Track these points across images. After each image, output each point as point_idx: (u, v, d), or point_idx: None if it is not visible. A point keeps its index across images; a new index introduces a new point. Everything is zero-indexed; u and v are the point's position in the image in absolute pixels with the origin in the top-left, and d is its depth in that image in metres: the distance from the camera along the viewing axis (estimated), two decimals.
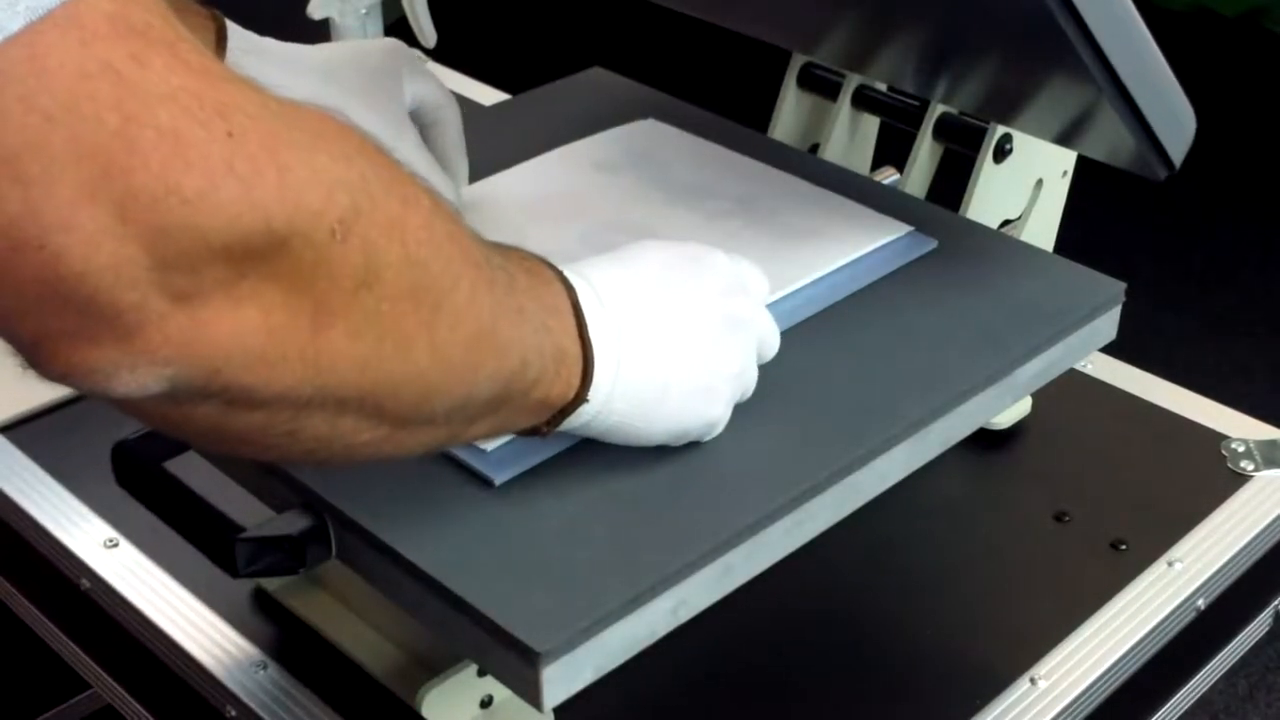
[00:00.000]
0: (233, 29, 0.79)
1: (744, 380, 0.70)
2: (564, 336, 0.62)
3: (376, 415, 0.55)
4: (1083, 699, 0.81)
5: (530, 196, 0.90)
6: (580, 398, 0.64)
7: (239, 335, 0.47)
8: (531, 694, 0.61)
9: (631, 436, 0.68)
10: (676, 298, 0.67)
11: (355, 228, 0.49)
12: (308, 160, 0.47)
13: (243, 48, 0.78)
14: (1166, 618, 0.86)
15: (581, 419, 0.65)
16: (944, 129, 0.97)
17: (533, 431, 0.65)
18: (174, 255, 0.44)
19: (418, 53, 0.85)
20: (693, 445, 0.71)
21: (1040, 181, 0.97)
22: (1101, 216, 2.45)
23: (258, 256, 0.46)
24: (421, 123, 0.85)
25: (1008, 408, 0.82)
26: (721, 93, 1.54)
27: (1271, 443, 0.97)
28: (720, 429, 0.70)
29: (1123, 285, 0.82)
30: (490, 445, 0.70)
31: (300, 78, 0.79)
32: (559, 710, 0.65)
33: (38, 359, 0.46)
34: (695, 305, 0.67)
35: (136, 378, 0.46)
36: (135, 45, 0.43)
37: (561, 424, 0.65)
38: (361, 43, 0.86)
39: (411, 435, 0.58)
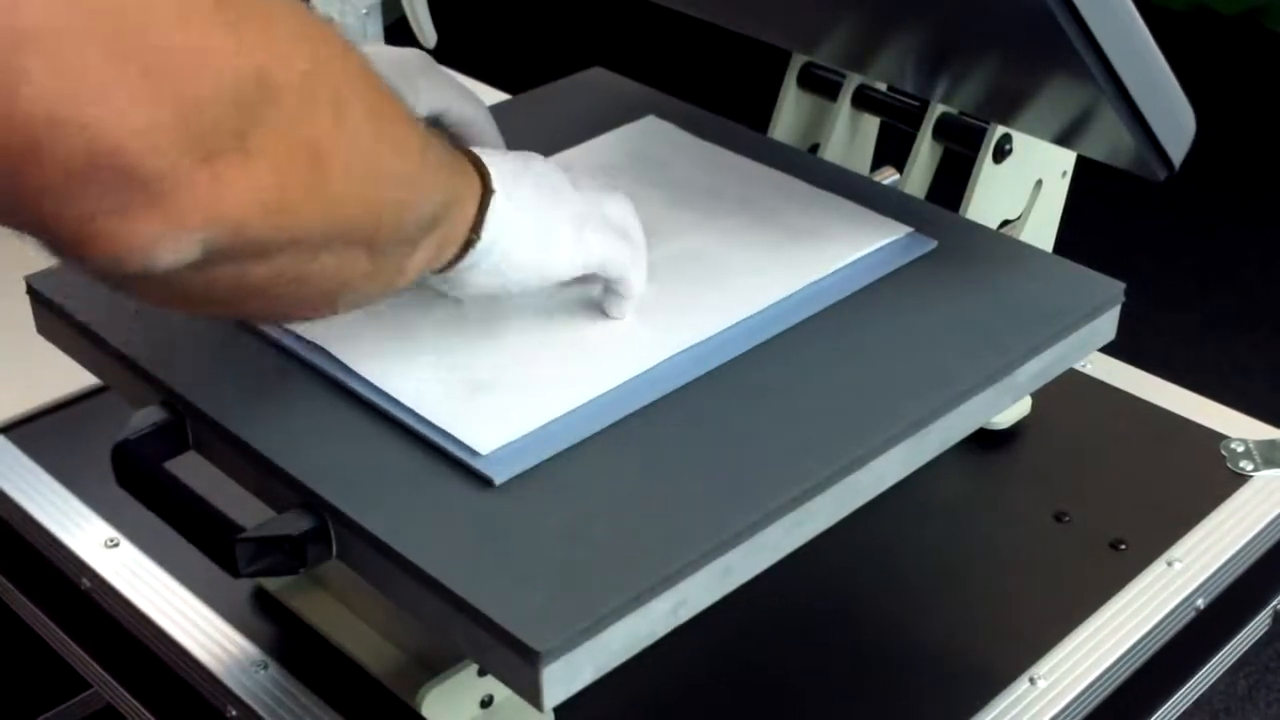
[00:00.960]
0: None
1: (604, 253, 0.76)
2: (454, 151, 0.69)
3: (368, 245, 0.60)
4: (1082, 699, 0.81)
5: None
6: (488, 189, 0.69)
7: (257, 189, 0.52)
8: (531, 694, 0.62)
9: (530, 240, 0.72)
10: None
11: (321, 68, 0.55)
12: (274, 12, 0.53)
13: None
14: (1166, 617, 0.86)
15: (496, 217, 0.69)
16: (944, 129, 0.97)
17: (465, 248, 0.69)
18: (194, 111, 0.49)
19: (436, 64, 0.85)
20: (692, 445, 0.71)
21: (1040, 181, 0.97)
22: (1101, 216, 2.45)
23: (258, 106, 0.51)
24: (450, 131, 0.85)
25: (1008, 408, 0.82)
26: (721, 93, 1.54)
27: (1271, 443, 0.97)
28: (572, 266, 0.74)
29: (1122, 285, 0.82)
30: (490, 445, 0.70)
31: None
32: (559, 710, 0.65)
33: (83, 244, 0.50)
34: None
35: (175, 247, 0.51)
36: None
37: (484, 224, 0.69)
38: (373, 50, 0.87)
39: (387, 261, 0.63)
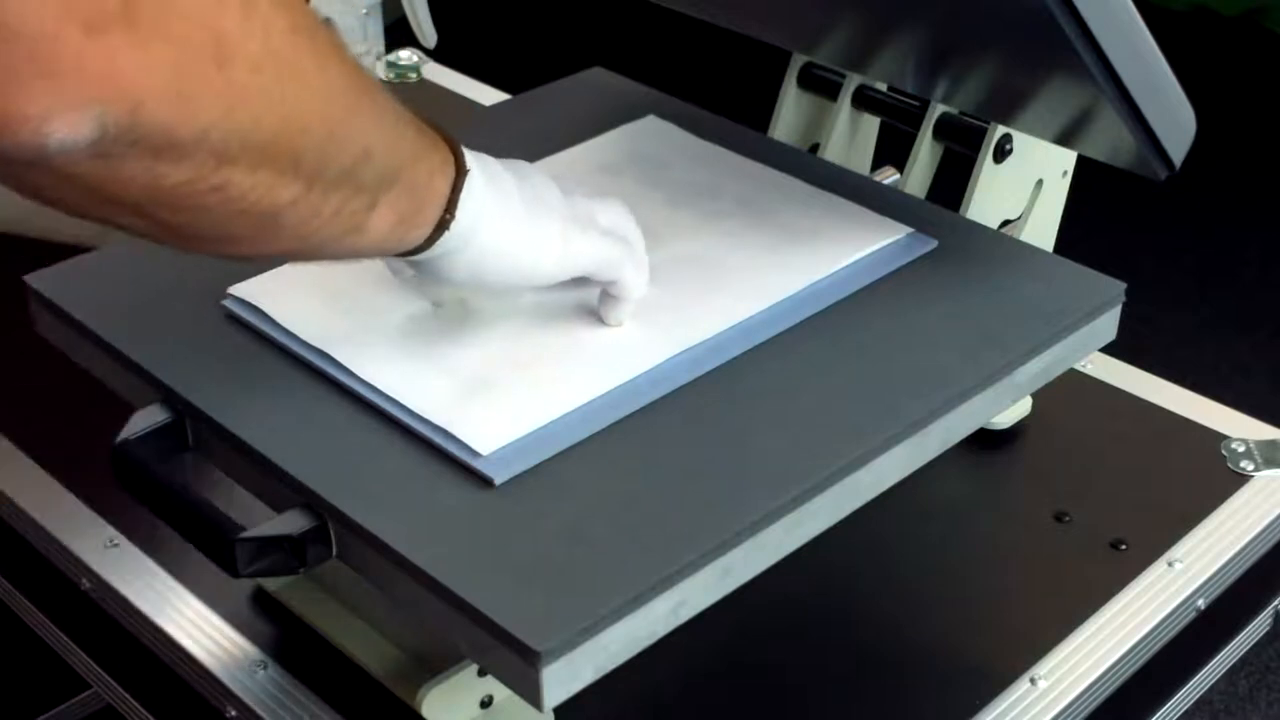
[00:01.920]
0: None
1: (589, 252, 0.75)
2: (421, 122, 0.68)
3: (293, 165, 0.58)
4: (1083, 699, 0.81)
5: None
6: (461, 170, 0.68)
7: (151, 69, 0.51)
8: (531, 694, 0.62)
9: (508, 231, 0.71)
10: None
11: None
12: None
13: None
14: (1166, 618, 0.86)
15: (473, 200, 0.68)
16: (944, 129, 0.97)
17: (439, 230, 0.68)
18: None
19: None
20: (692, 445, 0.71)
21: (1040, 181, 0.97)
22: (1101, 216, 2.45)
23: None
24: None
25: (1008, 408, 0.82)
26: (721, 93, 1.54)
27: (1271, 443, 0.97)
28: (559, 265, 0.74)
29: (1123, 285, 0.82)
30: (490, 445, 0.70)
31: None
32: (559, 710, 0.65)
33: None
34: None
35: (68, 123, 0.50)
36: None
37: (458, 206, 0.68)
38: None
39: (327, 200, 0.61)
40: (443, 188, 0.68)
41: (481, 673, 0.76)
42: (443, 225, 0.68)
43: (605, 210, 0.78)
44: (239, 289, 0.81)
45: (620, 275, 0.77)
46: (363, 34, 1.19)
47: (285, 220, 0.60)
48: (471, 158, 0.70)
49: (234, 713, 0.81)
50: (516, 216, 0.71)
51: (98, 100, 0.50)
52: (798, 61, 1.04)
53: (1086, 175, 0.99)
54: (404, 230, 0.67)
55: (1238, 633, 0.95)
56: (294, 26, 0.57)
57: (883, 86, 1.01)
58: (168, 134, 0.53)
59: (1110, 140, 0.83)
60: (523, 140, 0.97)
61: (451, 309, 0.79)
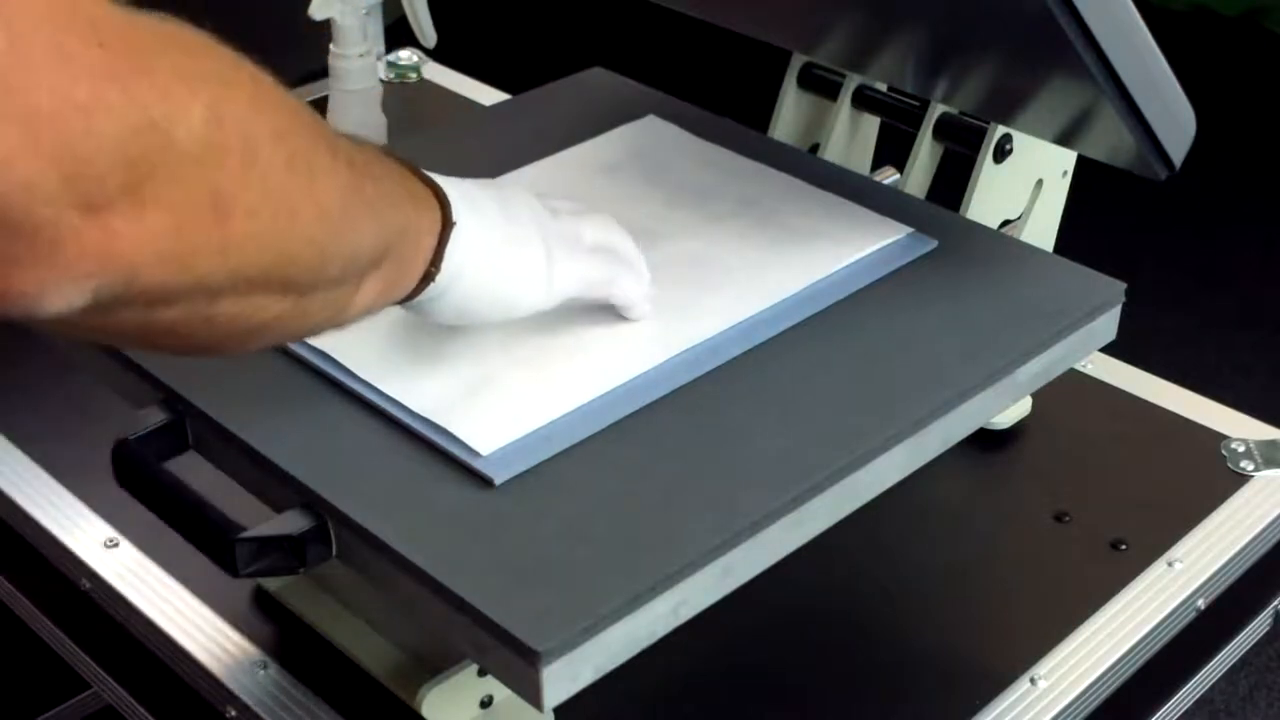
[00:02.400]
0: None
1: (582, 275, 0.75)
2: (412, 180, 0.68)
3: (282, 288, 0.58)
4: (1083, 699, 0.81)
5: None
6: (448, 222, 0.67)
7: (151, 238, 0.51)
8: (531, 694, 0.61)
9: (496, 270, 0.71)
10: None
11: (225, 111, 0.52)
12: (170, 60, 0.51)
13: None
14: (1166, 618, 0.86)
15: (458, 251, 0.68)
16: (944, 129, 0.97)
17: (424, 282, 0.67)
18: (79, 166, 0.47)
19: None
20: (692, 445, 0.71)
21: (1040, 181, 0.97)
22: (1101, 216, 2.45)
23: (151, 156, 0.49)
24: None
25: (1008, 408, 0.82)
26: (721, 93, 1.54)
27: (1271, 443, 0.97)
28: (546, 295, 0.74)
29: (1123, 285, 0.82)
30: (490, 445, 0.70)
31: None
32: (559, 710, 0.65)
33: None
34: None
35: (63, 294, 0.50)
36: None
37: (443, 257, 0.67)
38: None
39: (313, 302, 0.61)
40: (429, 244, 0.67)
41: (481, 673, 0.76)
42: (427, 279, 0.68)
43: (591, 226, 0.77)
44: None
45: (611, 292, 0.77)
46: (363, 34, 1.19)
47: (272, 330, 0.60)
48: (456, 195, 0.69)
49: (234, 713, 0.81)
50: (501, 254, 0.71)
51: (95, 275, 0.50)
52: (798, 61, 1.04)
53: (1086, 175, 0.99)
54: (389, 295, 0.67)
55: (1238, 633, 0.95)
56: (290, 160, 0.56)
57: (883, 86, 1.01)
58: (163, 290, 0.53)
59: (1110, 140, 0.83)
60: (523, 140, 0.97)
61: None
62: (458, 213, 0.68)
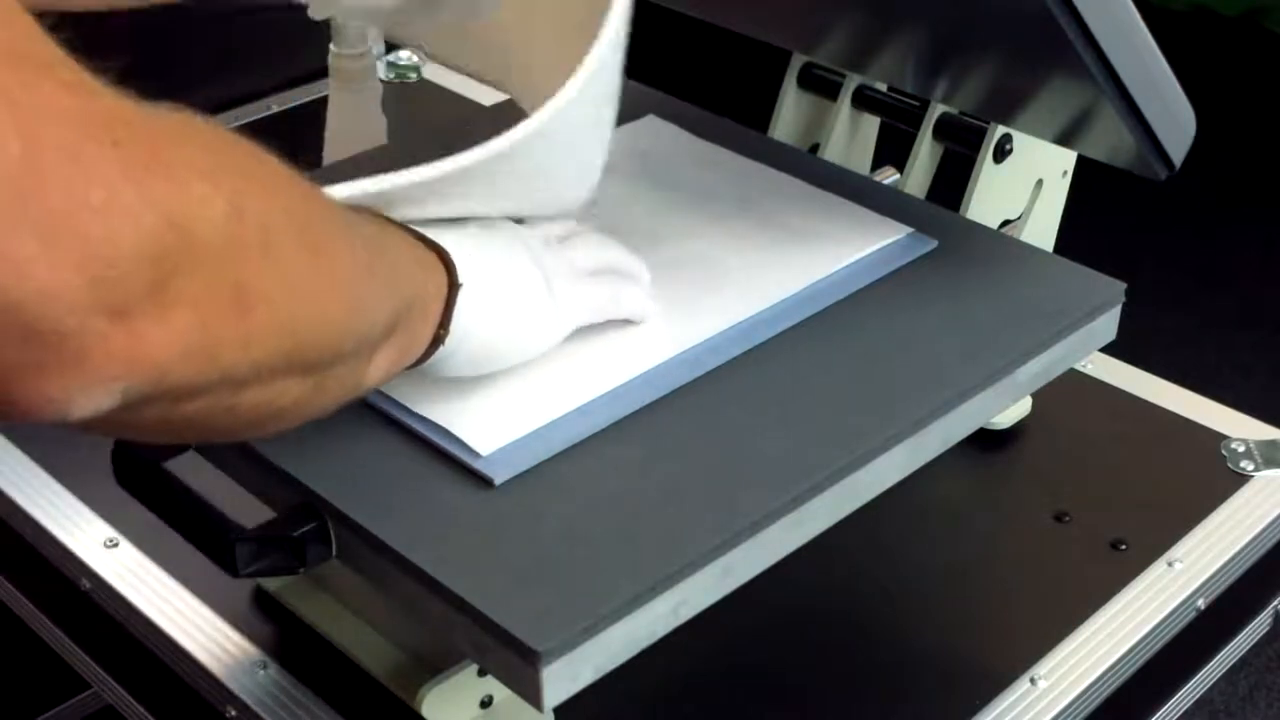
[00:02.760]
0: None
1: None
2: (417, 247, 0.67)
3: (302, 371, 0.58)
4: (1083, 699, 0.81)
5: None
6: (454, 284, 0.67)
7: (177, 337, 0.49)
8: (531, 694, 0.61)
9: (506, 321, 0.71)
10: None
11: (244, 203, 0.52)
12: (187, 154, 0.50)
13: None
14: (1166, 618, 0.86)
15: (465, 311, 0.68)
16: (944, 129, 0.97)
17: (434, 345, 0.67)
18: (101, 269, 0.46)
19: None
20: (692, 445, 0.71)
21: (1040, 181, 0.97)
22: (1101, 216, 2.45)
23: (173, 254, 0.48)
24: None
25: (1008, 408, 0.82)
26: (721, 93, 1.54)
27: (1271, 443, 0.97)
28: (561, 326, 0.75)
29: (1123, 285, 0.82)
30: (490, 445, 0.70)
31: None
32: (559, 710, 0.65)
33: None
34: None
35: (91, 399, 0.48)
36: (25, 73, 0.44)
37: (451, 320, 0.67)
38: None
39: (330, 381, 0.60)
40: (437, 309, 0.67)
41: (481, 673, 0.76)
42: (437, 341, 0.68)
43: (585, 249, 0.78)
44: None
45: (618, 310, 0.78)
46: (363, 34, 1.19)
47: (290, 413, 0.60)
48: (458, 254, 0.68)
49: (234, 713, 0.81)
50: (508, 306, 0.71)
51: (124, 378, 0.49)
52: (798, 61, 1.04)
53: (1086, 175, 0.99)
54: (402, 362, 0.66)
55: (1238, 633, 0.95)
56: (308, 245, 0.56)
57: (883, 86, 1.01)
58: (189, 386, 0.52)
59: (1110, 140, 0.83)
60: None
61: None
62: (462, 273, 0.68)
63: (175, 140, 0.50)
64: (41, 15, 0.48)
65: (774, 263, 0.84)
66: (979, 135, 0.93)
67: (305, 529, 0.68)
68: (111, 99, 0.48)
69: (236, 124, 1.26)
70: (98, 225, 0.45)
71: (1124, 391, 1.03)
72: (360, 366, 0.62)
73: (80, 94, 0.46)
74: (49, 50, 0.46)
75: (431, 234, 0.68)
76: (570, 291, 0.75)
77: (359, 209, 0.65)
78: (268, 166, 0.56)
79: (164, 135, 0.50)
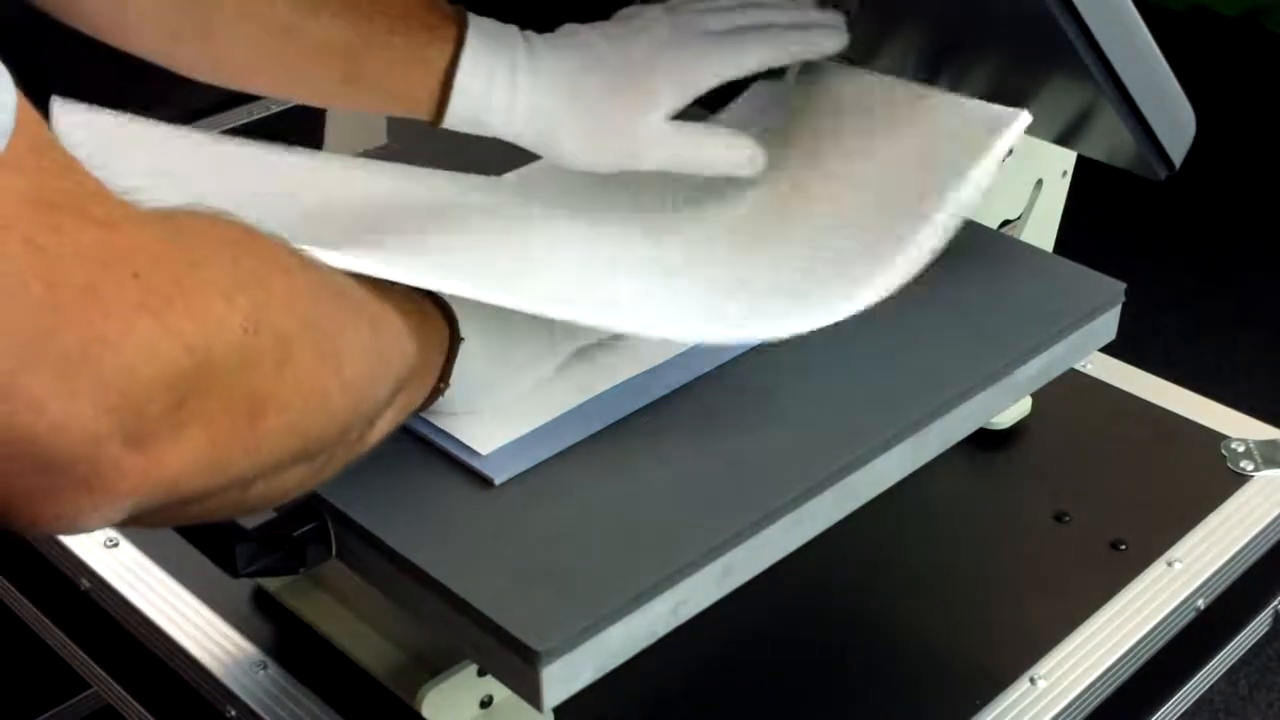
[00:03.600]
0: None
1: None
2: (420, 303, 0.67)
3: (306, 460, 0.58)
4: (1083, 699, 0.81)
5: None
6: (455, 338, 0.68)
7: (191, 455, 0.50)
8: (531, 694, 0.61)
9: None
10: None
11: (260, 317, 0.52)
12: (207, 275, 0.50)
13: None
14: (1166, 618, 0.86)
15: (465, 362, 0.68)
16: None
17: (433, 396, 0.68)
18: (116, 400, 0.46)
19: None
20: (692, 445, 0.71)
21: (1040, 181, 0.97)
22: (1102, 216, 2.45)
23: (190, 377, 0.49)
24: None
25: (1008, 408, 0.82)
26: (721, 92, 1.53)
27: (1271, 443, 0.97)
28: None
29: (1123, 285, 0.82)
30: (490, 445, 0.70)
31: None
32: (559, 710, 0.65)
33: (9, 517, 0.48)
34: None
35: (101, 516, 0.49)
36: (52, 216, 0.45)
37: (451, 373, 0.68)
38: None
39: (335, 458, 0.61)
40: (438, 363, 0.68)
41: (481, 673, 0.76)
42: (436, 393, 0.68)
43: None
44: None
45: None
46: None
47: (294, 493, 0.60)
48: (459, 306, 0.68)
49: (234, 713, 0.81)
50: (509, 351, 0.71)
51: (136, 495, 0.49)
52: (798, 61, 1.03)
53: (1086, 175, 0.99)
54: (400, 419, 0.66)
55: (1238, 633, 0.94)
56: (320, 348, 0.56)
57: None
58: (198, 493, 0.52)
59: (1110, 140, 0.83)
60: None
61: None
62: (464, 325, 0.68)
63: (196, 262, 0.50)
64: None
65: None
66: None
67: (305, 529, 0.68)
68: (133, 228, 0.48)
69: (237, 124, 1.25)
70: (113, 358, 0.46)
71: (1124, 391, 1.03)
72: (363, 438, 0.62)
73: (104, 228, 0.46)
74: (80, 187, 0.46)
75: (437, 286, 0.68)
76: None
77: (361, 275, 0.64)
78: (286, 268, 0.56)
79: (184, 260, 0.50)
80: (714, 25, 0.80)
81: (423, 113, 0.80)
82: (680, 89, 0.79)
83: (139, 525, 0.54)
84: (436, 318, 0.68)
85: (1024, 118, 0.79)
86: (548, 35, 0.81)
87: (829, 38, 0.82)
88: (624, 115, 0.79)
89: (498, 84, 0.78)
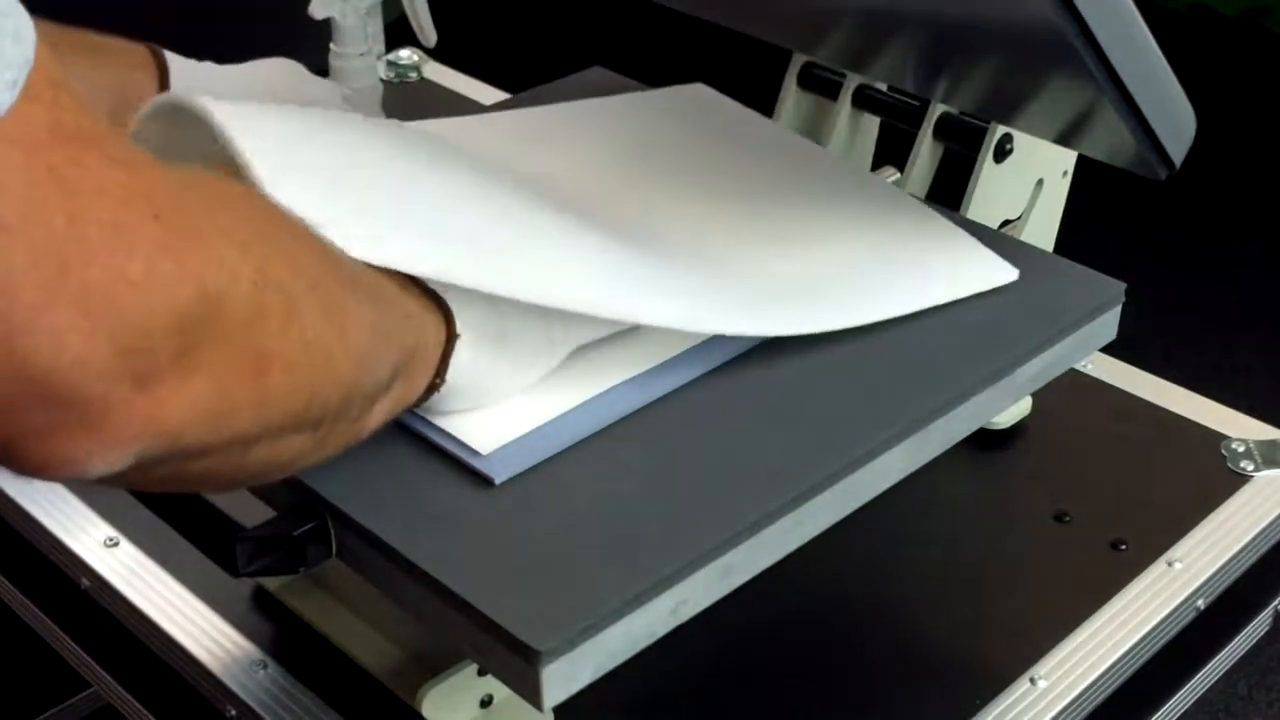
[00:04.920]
0: (173, 60, 0.85)
1: None
2: (420, 296, 0.67)
3: (311, 427, 0.59)
4: (1083, 699, 0.81)
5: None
6: (451, 335, 0.67)
7: (196, 402, 0.50)
8: (531, 694, 0.61)
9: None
10: None
11: (269, 272, 0.53)
12: (220, 224, 0.51)
13: (185, 80, 0.84)
14: (1166, 618, 0.86)
15: (461, 360, 0.68)
16: (944, 129, 0.97)
17: (429, 392, 0.68)
18: (132, 340, 0.47)
19: (301, 67, 0.92)
20: (692, 445, 0.71)
21: (1040, 181, 0.97)
22: (1102, 216, 2.45)
23: (202, 324, 0.49)
24: None
25: (1008, 408, 0.82)
26: (721, 92, 1.54)
27: (1271, 443, 0.97)
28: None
29: (1123, 285, 0.82)
30: (490, 445, 0.70)
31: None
32: (559, 710, 0.65)
33: (12, 457, 0.48)
34: None
35: (107, 460, 0.49)
36: (72, 149, 0.45)
37: (447, 370, 0.67)
38: (255, 64, 0.91)
39: (333, 433, 0.61)
40: (435, 358, 0.67)
41: (481, 673, 0.76)
42: (433, 389, 0.68)
43: None
44: None
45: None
46: (363, 33, 1.19)
47: (293, 465, 0.61)
48: (458, 302, 0.68)
49: (234, 712, 0.81)
50: (505, 344, 0.70)
51: (141, 440, 0.49)
52: (798, 61, 1.04)
53: (1086, 175, 0.99)
54: (398, 408, 0.67)
55: (1238, 633, 0.94)
56: (325, 309, 0.57)
57: (883, 86, 1.01)
58: (202, 447, 0.53)
59: (1110, 140, 0.83)
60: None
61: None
62: (461, 322, 0.68)
63: (210, 209, 0.51)
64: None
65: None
66: (979, 135, 0.93)
67: (305, 528, 0.68)
68: (153, 171, 0.49)
69: None
70: (135, 298, 0.46)
71: (1124, 391, 1.03)
72: (362, 418, 0.63)
73: (125, 168, 0.47)
74: (97, 126, 0.47)
75: (436, 282, 0.68)
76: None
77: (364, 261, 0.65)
78: (293, 232, 0.57)
79: (200, 205, 0.50)
80: None
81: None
82: None
83: (141, 482, 0.54)
84: (435, 313, 0.68)
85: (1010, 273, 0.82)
86: None
87: None
88: None
89: None
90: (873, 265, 0.83)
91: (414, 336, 0.66)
